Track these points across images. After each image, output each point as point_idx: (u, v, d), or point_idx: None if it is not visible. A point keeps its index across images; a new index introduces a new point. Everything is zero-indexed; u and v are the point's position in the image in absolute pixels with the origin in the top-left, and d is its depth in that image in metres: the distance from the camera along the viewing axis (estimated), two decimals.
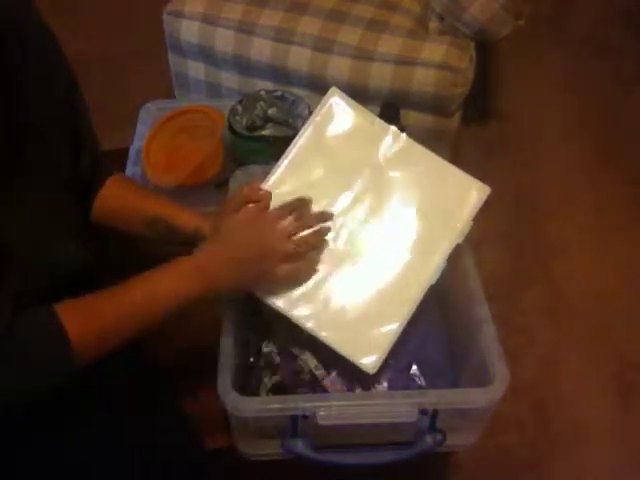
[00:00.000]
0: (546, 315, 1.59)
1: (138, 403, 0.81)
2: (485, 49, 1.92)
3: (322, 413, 0.78)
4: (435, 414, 0.81)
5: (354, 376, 0.92)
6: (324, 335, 0.86)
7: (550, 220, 1.80)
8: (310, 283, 0.87)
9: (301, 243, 0.84)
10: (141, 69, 2.22)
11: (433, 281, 0.91)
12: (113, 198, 0.92)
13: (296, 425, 0.81)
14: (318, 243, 0.87)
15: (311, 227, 0.86)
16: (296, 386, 0.92)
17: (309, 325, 0.86)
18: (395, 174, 0.93)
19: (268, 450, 0.87)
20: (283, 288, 0.86)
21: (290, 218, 0.84)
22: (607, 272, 1.68)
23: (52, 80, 0.77)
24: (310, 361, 0.91)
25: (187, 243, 0.87)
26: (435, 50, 1.50)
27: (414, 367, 0.95)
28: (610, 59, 2.32)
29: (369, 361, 0.85)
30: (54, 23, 0.81)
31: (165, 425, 0.82)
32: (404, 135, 0.96)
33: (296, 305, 0.86)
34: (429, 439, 0.84)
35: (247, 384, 0.93)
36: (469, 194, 0.94)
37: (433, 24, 1.59)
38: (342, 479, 0.95)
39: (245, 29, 1.59)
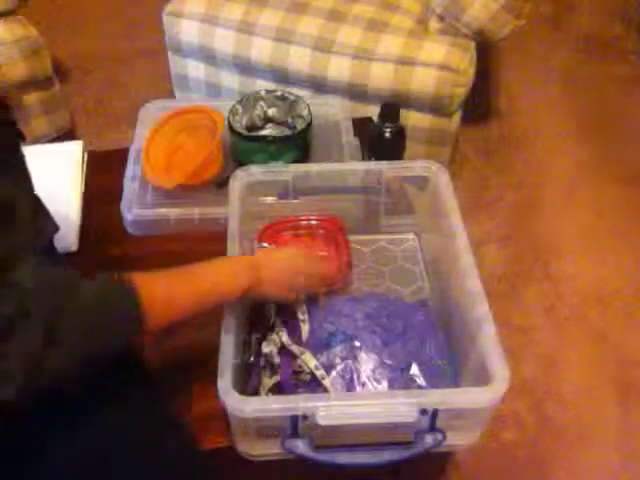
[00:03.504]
0: (546, 315, 1.59)
1: (133, 403, 0.81)
2: (485, 49, 1.93)
3: (322, 413, 0.78)
4: (435, 414, 0.81)
5: (354, 376, 0.92)
6: None
7: (550, 220, 1.80)
8: None
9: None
10: (141, 69, 2.22)
11: None
12: None
13: (296, 425, 0.81)
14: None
15: None
16: (296, 386, 0.92)
17: None
18: None
19: (268, 450, 0.87)
20: None
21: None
22: (607, 272, 1.68)
23: None
24: (310, 361, 0.91)
25: None
26: (435, 50, 1.51)
27: (414, 367, 0.95)
28: (610, 59, 2.32)
29: None
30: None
31: (159, 426, 0.82)
32: None
33: None
34: (429, 439, 0.84)
35: (247, 384, 0.93)
36: None
37: (433, 24, 1.59)
38: (342, 479, 0.95)
39: (245, 29, 1.59)
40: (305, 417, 0.80)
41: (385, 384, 0.93)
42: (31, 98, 1.72)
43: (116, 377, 0.78)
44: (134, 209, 1.16)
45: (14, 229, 0.68)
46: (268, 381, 0.92)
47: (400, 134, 1.20)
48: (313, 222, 1.15)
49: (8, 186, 0.70)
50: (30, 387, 0.62)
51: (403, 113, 1.20)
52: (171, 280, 0.80)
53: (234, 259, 0.94)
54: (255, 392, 0.92)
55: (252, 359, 0.95)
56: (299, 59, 1.56)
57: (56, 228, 0.89)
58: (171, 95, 1.86)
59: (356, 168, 1.15)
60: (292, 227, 1.14)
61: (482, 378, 0.83)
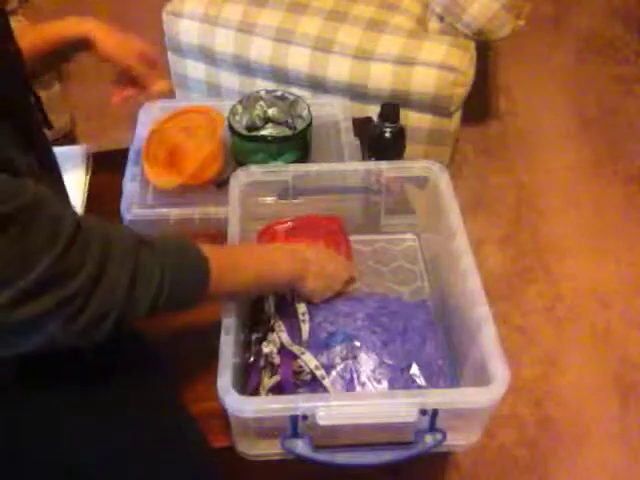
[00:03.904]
0: (546, 315, 1.59)
1: (140, 401, 0.81)
2: (485, 49, 1.93)
3: (322, 413, 0.78)
4: (435, 414, 0.81)
5: (354, 376, 0.92)
6: None
7: (550, 220, 1.80)
8: None
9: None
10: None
11: None
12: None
13: (296, 425, 0.81)
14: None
15: None
16: (296, 386, 0.92)
17: None
18: None
19: (268, 450, 0.87)
20: None
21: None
22: (607, 272, 1.68)
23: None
24: (310, 361, 0.91)
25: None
26: (435, 50, 1.51)
27: (414, 367, 0.94)
28: (610, 59, 2.32)
29: None
30: None
31: (168, 424, 0.82)
32: None
33: None
34: (429, 439, 0.84)
35: (247, 384, 0.93)
36: None
37: (433, 24, 1.60)
38: (342, 479, 0.95)
39: (245, 29, 1.59)
40: (305, 417, 0.80)
41: (385, 384, 0.92)
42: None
43: (133, 372, 0.79)
44: (134, 209, 1.16)
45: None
46: (268, 381, 0.92)
47: (400, 134, 1.20)
48: (313, 222, 1.14)
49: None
50: (123, 322, 0.67)
51: (403, 113, 1.19)
52: (235, 253, 0.88)
53: (286, 247, 0.98)
54: (255, 392, 0.92)
55: (252, 359, 0.95)
56: (299, 59, 1.56)
57: None
58: (171, 95, 1.86)
59: (356, 168, 1.14)
60: (292, 227, 1.14)
61: (482, 378, 0.83)
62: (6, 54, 0.76)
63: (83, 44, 1.06)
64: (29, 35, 1.00)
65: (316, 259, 0.93)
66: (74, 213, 0.67)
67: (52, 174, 0.84)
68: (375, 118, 1.20)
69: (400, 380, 0.93)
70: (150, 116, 1.31)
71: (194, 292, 0.76)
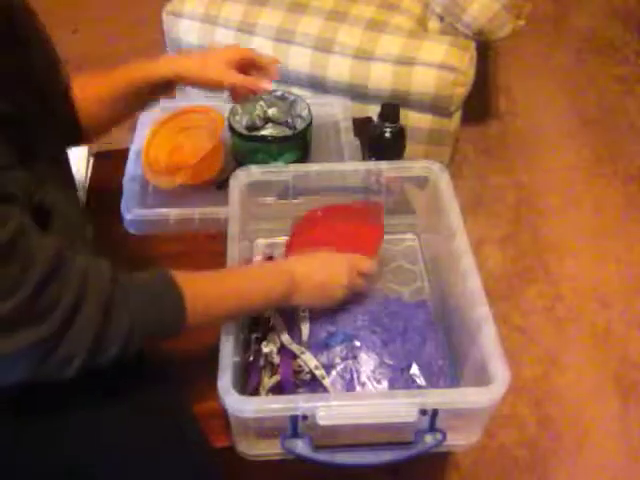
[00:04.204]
0: (546, 315, 1.59)
1: (141, 402, 0.81)
2: (485, 49, 1.93)
3: (322, 413, 0.78)
4: (435, 414, 0.81)
5: (354, 376, 0.92)
6: None
7: (550, 220, 1.80)
8: None
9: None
10: None
11: None
12: (87, 88, 0.94)
13: (296, 425, 0.81)
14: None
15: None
16: (296, 386, 0.92)
17: None
18: None
19: (268, 450, 0.87)
20: None
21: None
22: (607, 272, 1.68)
23: (52, 67, 0.81)
24: (310, 361, 0.91)
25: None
26: (435, 50, 1.51)
27: (414, 367, 0.95)
28: (610, 59, 2.32)
29: None
30: (55, 23, 0.82)
31: (169, 424, 0.82)
32: None
33: None
34: (429, 439, 0.84)
35: (247, 384, 0.93)
36: None
37: (433, 24, 1.60)
38: (342, 479, 0.95)
39: (245, 29, 1.59)
40: (305, 417, 0.80)
41: (385, 384, 0.93)
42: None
43: (133, 372, 0.79)
44: (134, 209, 1.16)
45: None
46: (268, 381, 0.92)
47: (400, 134, 1.20)
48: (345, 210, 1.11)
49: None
50: (90, 364, 0.67)
51: (403, 113, 1.19)
52: (216, 282, 0.82)
53: (272, 268, 0.96)
54: (255, 392, 0.92)
55: (252, 359, 0.95)
56: (299, 59, 1.56)
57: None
58: (171, 95, 1.86)
59: (356, 168, 1.14)
60: (322, 216, 1.11)
61: (482, 378, 0.83)
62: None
63: (171, 84, 1.04)
64: (109, 78, 0.99)
65: (306, 271, 0.91)
66: (56, 242, 0.65)
67: (58, 185, 0.80)
68: (375, 118, 1.20)
69: (400, 380, 0.93)
70: (150, 116, 1.31)
71: (168, 331, 0.76)
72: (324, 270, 0.93)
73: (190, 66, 1.01)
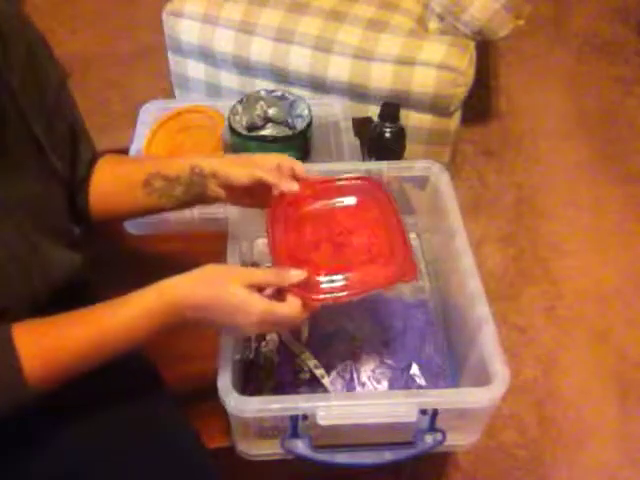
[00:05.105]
0: (546, 315, 1.59)
1: (138, 404, 0.81)
2: (485, 49, 1.93)
3: (322, 413, 0.78)
4: (435, 414, 0.81)
5: (354, 376, 0.92)
6: None
7: (550, 220, 1.80)
8: None
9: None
10: (141, 69, 2.22)
11: None
12: (106, 176, 0.89)
13: (296, 425, 0.81)
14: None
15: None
16: (296, 386, 0.92)
17: None
18: None
19: (268, 450, 0.87)
20: None
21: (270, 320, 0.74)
22: (607, 272, 1.68)
23: (40, 76, 0.77)
24: (310, 360, 0.92)
25: (200, 199, 0.86)
26: (435, 50, 1.50)
27: (414, 367, 0.95)
28: (610, 59, 2.32)
29: None
30: (54, 23, 0.82)
31: (165, 425, 0.82)
32: None
33: None
34: (429, 439, 0.84)
35: (247, 384, 0.93)
36: None
37: (433, 24, 1.60)
38: (342, 479, 0.95)
39: (245, 29, 1.59)
40: (305, 417, 0.80)
41: (385, 384, 0.93)
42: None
43: (123, 376, 0.78)
44: None
45: None
46: (268, 380, 0.92)
47: (400, 134, 1.20)
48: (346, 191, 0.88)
49: None
50: None
51: (403, 113, 1.19)
52: (58, 325, 0.68)
53: (146, 308, 0.71)
54: (255, 392, 0.92)
55: (252, 358, 0.95)
56: (299, 59, 1.56)
57: (94, 150, 0.90)
58: (171, 95, 1.86)
59: (356, 168, 1.14)
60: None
61: (482, 378, 0.83)
62: None
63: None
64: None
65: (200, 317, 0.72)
66: None
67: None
68: (375, 118, 1.20)
69: (400, 380, 0.93)
70: (150, 116, 1.31)
71: (6, 406, 0.66)
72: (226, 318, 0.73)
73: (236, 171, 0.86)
